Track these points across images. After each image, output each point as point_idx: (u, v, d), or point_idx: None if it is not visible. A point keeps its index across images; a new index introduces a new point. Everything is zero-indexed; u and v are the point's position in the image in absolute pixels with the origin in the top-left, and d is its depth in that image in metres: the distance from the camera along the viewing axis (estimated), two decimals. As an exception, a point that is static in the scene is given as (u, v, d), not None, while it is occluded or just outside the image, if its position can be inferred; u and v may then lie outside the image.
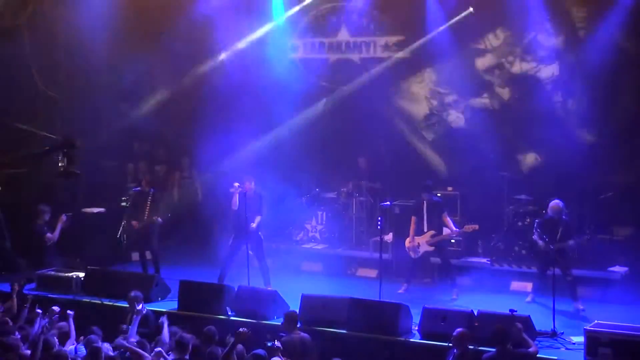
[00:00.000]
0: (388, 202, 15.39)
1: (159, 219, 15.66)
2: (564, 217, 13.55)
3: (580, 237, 13.72)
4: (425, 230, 14.63)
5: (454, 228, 14.68)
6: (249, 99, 17.41)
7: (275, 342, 10.61)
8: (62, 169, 11.00)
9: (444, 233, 14.71)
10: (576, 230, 13.82)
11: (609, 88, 15.64)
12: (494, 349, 10.70)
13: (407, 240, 14.74)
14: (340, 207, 17.38)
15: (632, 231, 15.28)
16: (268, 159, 16.87)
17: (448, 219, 14.69)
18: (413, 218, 14.78)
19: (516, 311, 11.63)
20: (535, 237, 13.69)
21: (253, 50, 17.76)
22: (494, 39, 16.43)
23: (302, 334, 11.76)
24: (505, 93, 16.61)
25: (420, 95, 17.39)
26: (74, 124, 16.85)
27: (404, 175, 16.71)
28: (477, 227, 14.67)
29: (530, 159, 16.60)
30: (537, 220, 13.92)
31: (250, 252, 14.55)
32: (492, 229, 15.89)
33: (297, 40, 18.14)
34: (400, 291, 14.64)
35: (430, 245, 14.60)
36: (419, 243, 14.63)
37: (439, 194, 15.51)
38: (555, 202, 13.64)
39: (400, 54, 17.32)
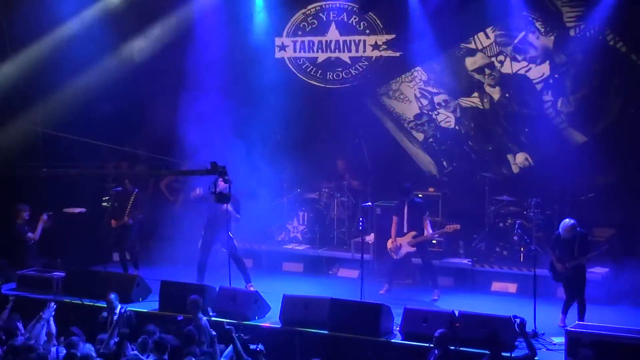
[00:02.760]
0: (369, 203, 15.40)
1: (130, 220, 15.73)
2: (578, 229, 12.78)
3: (598, 249, 13.15)
4: (406, 231, 14.63)
5: (430, 230, 14.67)
6: (234, 99, 17.31)
7: (258, 346, 10.58)
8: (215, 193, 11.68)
9: (424, 234, 14.72)
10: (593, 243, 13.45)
11: (599, 88, 15.68)
12: (484, 351, 10.77)
13: (389, 241, 14.75)
14: (322, 208, 17.36)
15: (612, 232, 15.30)
16: (250, 158, 16.76)
17: (428, 221, 14.68)
18: (394, 219, 14.78)
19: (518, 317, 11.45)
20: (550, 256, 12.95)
21: (239, 50, 17.69)
22: (484, 39, 16.42)
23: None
24: (495, 92, 16.61)
25: (410, 94, 17.35)
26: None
27: (387, 176, 16.67)
28: (458, 226, 14.72)
29: (520, 159, 16.60)
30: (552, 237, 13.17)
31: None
32: (473, 229, 15.94)
33: (286, 38, 18.07)
34: (381, 292, 14.65)
35: (412, 246, 14.59)
36: (400, 244, 14.63)
37: (420, 195, 15.51)
38: (567, 224, 12.76)
39: (390, 53, 17.30)
